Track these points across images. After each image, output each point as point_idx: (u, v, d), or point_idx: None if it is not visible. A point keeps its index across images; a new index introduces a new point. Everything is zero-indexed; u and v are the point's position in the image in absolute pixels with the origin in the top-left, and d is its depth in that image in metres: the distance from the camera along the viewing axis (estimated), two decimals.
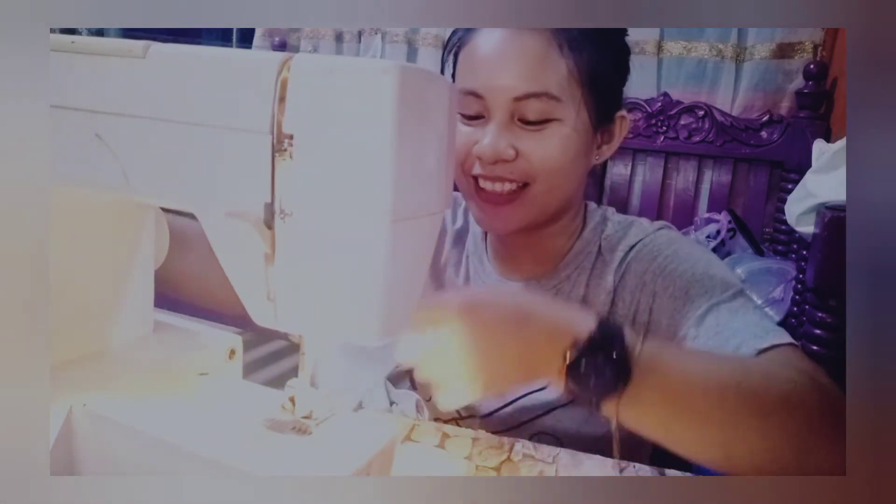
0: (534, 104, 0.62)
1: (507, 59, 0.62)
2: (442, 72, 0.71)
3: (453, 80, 0.69)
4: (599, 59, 0.65)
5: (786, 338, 0.57)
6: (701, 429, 0.47)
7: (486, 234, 0.78)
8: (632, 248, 0.69)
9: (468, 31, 0.66)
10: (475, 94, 0.63)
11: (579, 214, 0.75)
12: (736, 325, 0.59)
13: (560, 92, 0.63)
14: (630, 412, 0.46)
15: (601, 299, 0.69)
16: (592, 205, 0.77)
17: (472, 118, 0.65)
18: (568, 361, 0.45)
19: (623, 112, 0.70)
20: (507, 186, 0.64)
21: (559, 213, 0.70)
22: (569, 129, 0.64)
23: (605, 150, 0.70)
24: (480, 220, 0.70)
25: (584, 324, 0.46)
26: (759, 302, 1.21)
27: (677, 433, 0.47)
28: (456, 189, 0.68)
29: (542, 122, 0.63)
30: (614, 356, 0.45)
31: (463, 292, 0.63)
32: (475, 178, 0.66)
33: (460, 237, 0.80)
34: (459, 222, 0.81)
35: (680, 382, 0.47)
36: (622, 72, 0.70)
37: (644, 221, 0.74)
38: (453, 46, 0.69)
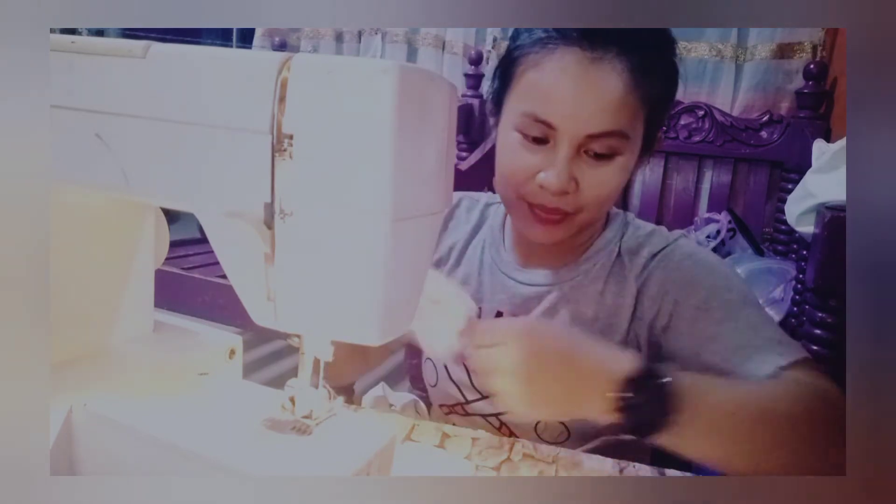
0: (605, 141, 0.63)
1: (586, 94, 0.62)
2: (494, 79, 0.71)
3: (500, 91, 0.69)
4: (662, 87, 0.65)
5: (802, 352, 0.62)
6: (735, 451, 0.54)
7: (503, 224, 0.79)
8: (654, 256, 0.70)
9: (535, 49, 0.64)
10: (546, 123, 0.63)
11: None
12: (758, 343, 0.62)
13: (630, 129, 0.64)
14: (673, 440, 0.51)
15: (624, 302, 0.70)
16: (614, 209, 0.77)
17: (534, 140, 0.65)
18: (612, 402, 0.50)
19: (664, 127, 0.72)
20: (557, 216, 0.66)
21: (594, 224, 0.72)
22: (626, 162, 0.65)
23: (645, 162, 0.72)
24: (524, 231, 0.70)
25: (626, 364, 0.52)
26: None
27: (716, 456, 0.54)
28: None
29: (608, 156, 0.64)
30: (653, 395, 0.50)
31: (523, 320, 0.64)
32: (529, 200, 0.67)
33: (475, 231, 0.81)
34: (474, 219, 0.82)
35: (717, 412, 0.53)
36: (674, 92, 0.70)
37: (663, 230, 0.75)
38: (513, 60, 0.67)
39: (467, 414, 0.78)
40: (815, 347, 1.00)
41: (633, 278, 0.70)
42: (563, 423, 0.72)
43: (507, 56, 0.69)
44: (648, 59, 0.63)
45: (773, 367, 0.60)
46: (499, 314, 0.76)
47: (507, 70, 0.68)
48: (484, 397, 0.76)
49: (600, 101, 0.62)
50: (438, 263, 0.80)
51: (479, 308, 0.76)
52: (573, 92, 0.62)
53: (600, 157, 0.64)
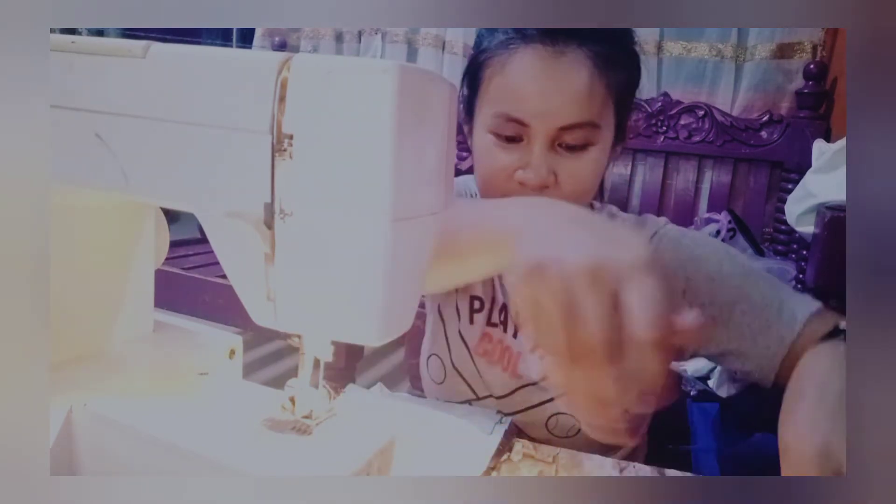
0: (577, 132, 0.64)
1: (552, 88, 0.63)
2: (462, 86, 0.71)
3: (471, 97, 0.70)
4: (625, 75, 0.66)
5: (816, 301, 0.64)
6: None
7: None
8: (650, 238, 0.70)
9: (499, 51, 0.66)
10: (517, 121, 0.64)
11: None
12: (783, 296, 0.64)
13: (600, 119, 0.65)
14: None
15: None
16: (596, 203, 0.78)
17: (507, 139, 0.66)
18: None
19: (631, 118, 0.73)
20: None
21: None
22: (599, 151, 0.66)
23: (618, 151, 0.73)
24: None
25: None
26: None
27: None
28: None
29: (581, 147, 0.65)
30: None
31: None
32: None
33: None
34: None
35: None
36: (637, 80, 0.71)
37: (651, 217, 0.75)
38: (479, 65, 0.68)
39: None
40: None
41: None
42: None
43: (473, 61, 0.70)
44: (609, 48, 0.64)
45: (807, 313, 0.62)
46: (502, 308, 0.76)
47: (474, 75, 0.69)
48: (494, 395, 0.75)
49: (568, 93, 0.63)
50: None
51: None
52: (540, 87, 0.63)
53: (573, 148, 0.65)
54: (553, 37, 0.63)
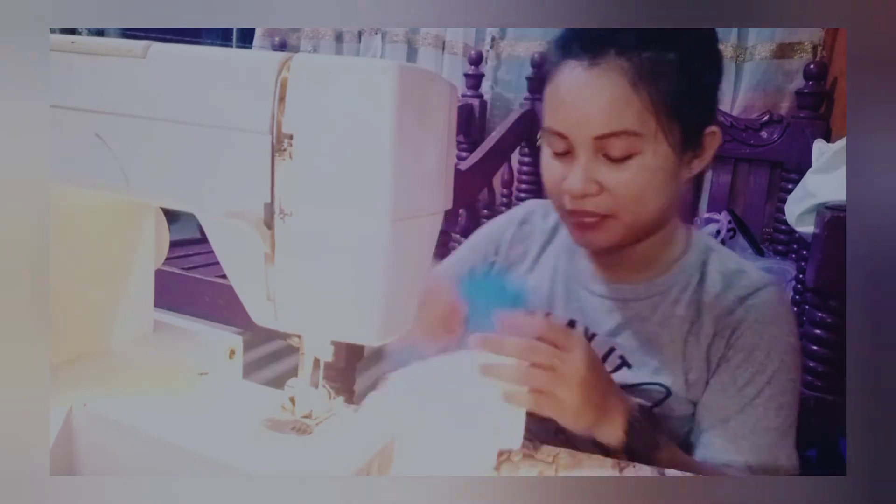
0: (615, 142, 0.64)
1: (585, 99, 0.65)
2: (529, 91, 0.73)
3: (540, 100, 0.74)
4: (680, 84, 0.65)
5: (768, 473, 0.65)
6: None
7: None
8: (742, 300, 0.70)
9: (553, 65, 0.68)
10: (560, 135, 0.66)
11: (679, 228, 0.76)
12: (745, 446, 0.66)
13: (640, 127, 0.64)
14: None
15: (692, 329, 0.70)
16: (696, 232, 0.78)
17: (560, 154, 0.68)
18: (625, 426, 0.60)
19: (713, 128, 0.70)
20: (591, 218, 0.67)
21: (652, 229, 0.71)
22: (650, 161, 0.65)
23: (696, 164, 0.70)
24: (576, 239, 0.72)
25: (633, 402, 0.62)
26: None
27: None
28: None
29: (626, 157, 0.65)
30: (657, 427, 0.62)
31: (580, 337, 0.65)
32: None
33: (550, 237, 0.83)
34: (550, 225, 0.83)
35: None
36: (708, 87, 0.70)
37: (753, 271, 0.73)
38: (540, 77, 0.73)
39: None
40: (814, 347, 1.00)
41: (713, 315, 0.70)
42: None
43: (537, 74, 0.73)
44: (650, 56, 0.64)
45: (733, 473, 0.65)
46: (571, 323, 0.75)
47: (542, 90, 0.72)
48: None
49: (600, 102, 0.63)
50: (512, 266, 0.82)
51: (548, 315, 0.76)
52: (574, 99, 0.65)
53: (616, 158, 0.65)
54: (589, 48, 0.64)
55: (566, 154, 0.67)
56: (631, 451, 0.60)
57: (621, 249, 0.71)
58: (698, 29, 0.68)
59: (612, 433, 0.60)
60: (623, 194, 0.65)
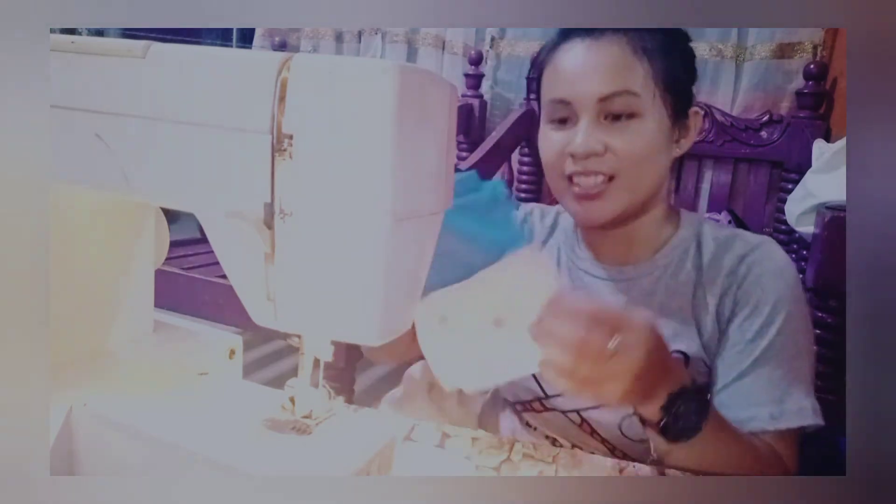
0: (617, 101, 0.68)
1: (590, 65, 0.69)
2: (528, 92, 0.76)
3: (537, 100, 0.76)
4: (670, 63, 0.70)
5: (793, 422, 0.66)
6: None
7: (576, 226, 0.83)
8: (743, 258, 0.72)
9: (549, 51, 0.73)
10: (563, 101, 0.70)
11: (670, 210, 0.78)
12: (764, 398, 0.66)
13: (640, 89, 0.68)
14: (680, 454, 0.58)
15: (699, 295, 0.72)
16: (685, 211, 0.80)
17: (560, 122, 0.71)
18: (665, 402, 0.55)
19: (696, 108, 0.75)
20: (598, 179, 0.70)
21: (647, 204, 0.74)
22: (650, 124, 0.69)
23: (684, 143, 0.75)
24: (577, 215, 0.74)
25: (686, 373, 0.58)
26: None
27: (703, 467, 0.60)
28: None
29: (627, 117, 0.69)
30: (701, 409, 0.57)
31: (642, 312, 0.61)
32: (569, 177, 0.71)
33: (549, 234, 0.86)
34: (548, 224, 0.86)
35: (719, 441, 0.59)
36: (690, 73, 0.75)
37: (745, 233, 0.75)
38: (537, 69, 0.75)
39: (545, 409, 0.78)
40: (814, 347, 1.00)
41: (713, 292, 0.71)
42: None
43: (534, 69, 0.76)
44: (649, 34, 0.69)
45: (762, 426, 0.65)
46: None
47: (538, 82, 0.76)
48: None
49: (603, 64, 0.68)
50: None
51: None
52: (578, 65, 0.69)
53: (618, 117, 0.68)
54: (589, 30, 0.69)
55: (566, 122, 0.71)
56: (666, 430, 0.56)
57: (619, 226, 0.73)
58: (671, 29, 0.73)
59: (651, 409, 0.56)
60: (626, 155, 0.69)
